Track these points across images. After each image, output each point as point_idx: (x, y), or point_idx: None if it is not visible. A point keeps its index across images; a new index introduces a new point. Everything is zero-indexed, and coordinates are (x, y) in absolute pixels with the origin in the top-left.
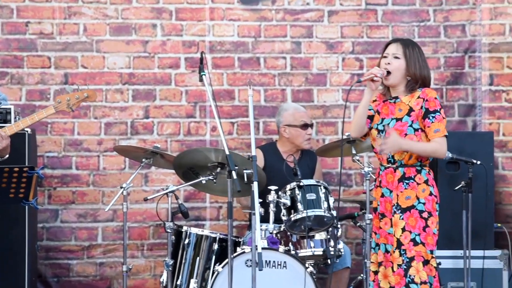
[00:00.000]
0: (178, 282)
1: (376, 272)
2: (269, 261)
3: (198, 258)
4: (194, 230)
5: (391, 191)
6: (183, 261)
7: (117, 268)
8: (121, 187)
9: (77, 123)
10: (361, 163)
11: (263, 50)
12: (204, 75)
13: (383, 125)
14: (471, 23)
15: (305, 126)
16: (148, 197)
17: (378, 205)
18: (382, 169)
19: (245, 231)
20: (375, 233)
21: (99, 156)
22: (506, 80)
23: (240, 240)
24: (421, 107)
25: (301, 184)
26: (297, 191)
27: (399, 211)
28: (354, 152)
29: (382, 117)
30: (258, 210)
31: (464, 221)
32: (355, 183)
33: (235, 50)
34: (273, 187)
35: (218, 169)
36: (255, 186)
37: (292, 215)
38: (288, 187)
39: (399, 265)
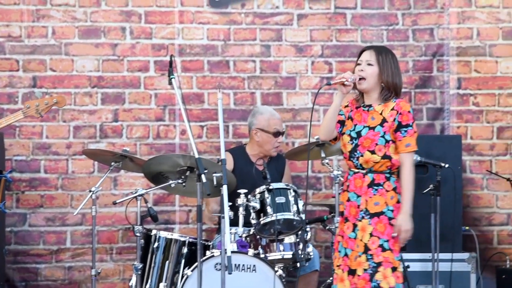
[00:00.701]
0: (147, 286)
1: None
2: (239, 265)
3: (167, 261)
4: (163, 234)
5: (358, 196)
6: (152, 265)
7: (86, 272)
8: (90, 191)
9: (45, 126)
10: (330, 166)
11: (232, 53)
12: (174, 78)
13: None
14: (439, 27)
15: (277, 134)
16: (117, 201)
17: (345, 209)
18: (350, 173)
19: (214, 235)
20: (342, 237)
21: (68, 160)
22: (473, 84)
23: (209, 243)
24: (394, 120)
25: (271, 187)
26: (266, 195)
27: (368, 216)
28: (323, 155)
29: (355, 123)
30: (228, 213)
31: (432, 224)
32: (325, 187)
33: (205, 54)
34: (242, 191)
35: (188, 173)
36: (224, 189)
37: (261, 219)
38: (257, 190)
39: (365, 270)
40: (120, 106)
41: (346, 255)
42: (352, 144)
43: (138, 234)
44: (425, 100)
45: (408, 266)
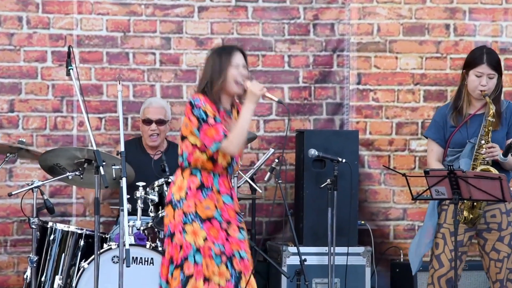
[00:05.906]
0: (43, 279)
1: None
2: (136, 258)
3: (63, 254)
4: (60, 226)
5: (232, 197)
6: (48, 258)
7: None
8: None
9: None
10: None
11: (132, 45)
12: (72, 69)
13: None
14: (340, 22)
15: (147, 122)
16: (13, 192)
17: (220, 213)
18: (216, 176)
19: (112, 227)
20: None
21: None
22: (373, 80)
23: (106, 236)
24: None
25: (170, 180)
26: (165, 188)
27: (242, 213)
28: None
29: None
30: (126, 206)
31: (329, 218)
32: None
33: (104, 45)
34: (141, 183)
35: (85, 165)
36: (123, 182)
37: (160, 212)
38: (156, 183)
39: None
40: (16, 96)
41: (242, 258)
42: None
43: (33, 226)
44: (325, 95)
45: (305, 260)
